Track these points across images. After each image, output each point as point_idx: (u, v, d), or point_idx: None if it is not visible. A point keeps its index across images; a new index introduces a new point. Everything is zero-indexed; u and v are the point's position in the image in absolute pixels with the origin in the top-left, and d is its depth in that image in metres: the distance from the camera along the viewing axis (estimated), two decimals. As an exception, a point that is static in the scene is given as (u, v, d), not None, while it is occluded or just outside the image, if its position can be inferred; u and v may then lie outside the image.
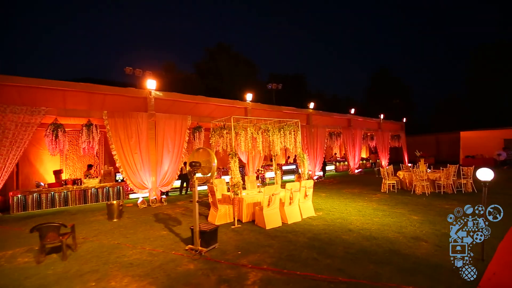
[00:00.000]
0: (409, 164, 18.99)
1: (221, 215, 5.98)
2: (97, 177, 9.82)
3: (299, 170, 7.48)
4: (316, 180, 13.78)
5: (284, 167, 15.48)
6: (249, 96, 11.84)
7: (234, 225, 5.75)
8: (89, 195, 9.27)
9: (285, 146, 6.89)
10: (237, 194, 5.77)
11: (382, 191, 9.60)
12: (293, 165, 16.05)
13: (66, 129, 10.48)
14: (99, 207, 8.48)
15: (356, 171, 16.41)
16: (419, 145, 22.31)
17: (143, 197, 8.65)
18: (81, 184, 9.24)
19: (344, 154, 18.27)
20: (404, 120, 20.31)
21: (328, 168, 17.96)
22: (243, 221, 6.02)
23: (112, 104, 9.04)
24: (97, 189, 9.44)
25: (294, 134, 7.09)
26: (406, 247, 4.22)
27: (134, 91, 9.06)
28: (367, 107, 31.52)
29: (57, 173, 9.92)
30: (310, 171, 14.16)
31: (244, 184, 8.05)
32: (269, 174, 14.79)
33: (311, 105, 14.46)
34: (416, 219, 5.78)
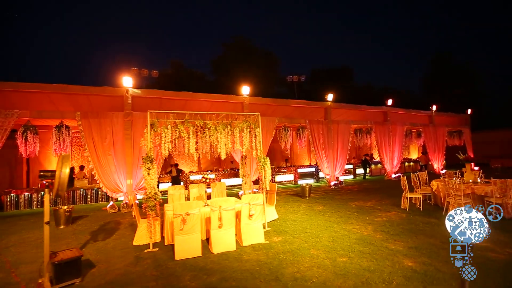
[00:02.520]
0: (476, 168, 14.64)
1: (141, 233, 4.87)
2: (86, 178, 9.90)
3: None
4: (333, 187, 11.47)
5: (300, 170, 13.51)
6: (245, 90, 10.41)
7: (150, 248, 4.56)
8: (77, 196, 9.38)
9: (233, 147, 5.34)
10: (152, 210, 4.56)
11: (402, 207, 7.04)
12: (312, 167, 13.90)
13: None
14: (83, 208, 8.49)
15: (394, 175, 13.23)
16: (491, 144, 17.04)
17: (113, 202, 8.21)
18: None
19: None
20: (469, 111, 15.60)
21: (361, 171, 15.14)
22: (165, 243, 4.78)
23: (92, 105, 8.89)
24: (85, 190, 9.49)
25: (250, 131, 5.46)
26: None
27: (110, 90, 8.70)
28: (425, 98, 26.06)
29: (57, 173, 10.39)
30: (328, 175, 11.88)
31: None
32: (284, 178, 13.05)
33: (330, 96, 12.09)
34: (407, 268, 3.57)
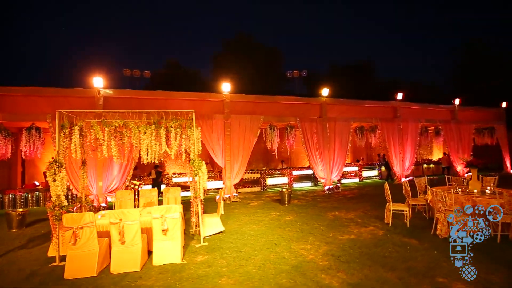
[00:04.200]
0: (512, 173, 12.33)
1: (56, 245, 4.44)
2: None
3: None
4: (327, 192, 10.30)
5: (296, 172, 12.44)
6: (226, 87, 9.72)
7: (56, 261, 4.12)
8: (59, 196, 9.48)
9: (161, 149, 4.68)
10: (58, 219, 4.10)
11: (385, 221, 5.82)
12: (310, 169, 12.72)
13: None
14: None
15: (404, 179, 11.56)
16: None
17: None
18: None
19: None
20: (504, 105, 13.07)
21: (369, 173, 13.62)
22: (76, 258, 4.30)
23: (72, 107, 8.87)
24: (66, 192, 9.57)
25: (181, 132, 4.77)
26: None
27: (81, 91, 8.59)
28: (458, 91, 22.96)
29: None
30: (323, 178, 10.72)
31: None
32: (276, 181, 12.11)
33: (325, 91, 10.89)
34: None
